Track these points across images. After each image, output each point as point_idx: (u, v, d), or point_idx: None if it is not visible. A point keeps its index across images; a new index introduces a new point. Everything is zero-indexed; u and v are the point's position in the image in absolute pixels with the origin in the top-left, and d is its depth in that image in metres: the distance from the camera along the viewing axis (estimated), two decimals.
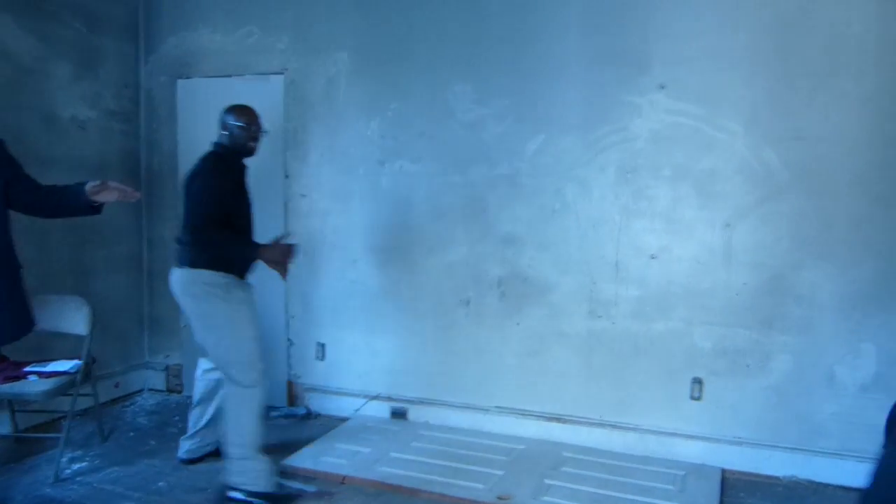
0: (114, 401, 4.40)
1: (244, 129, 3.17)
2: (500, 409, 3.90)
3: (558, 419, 3.78)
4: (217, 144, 3.20)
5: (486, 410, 3.92)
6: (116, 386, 4.45)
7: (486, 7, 3.76)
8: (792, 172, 3.29)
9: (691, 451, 3.53)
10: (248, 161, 3.30)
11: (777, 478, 3.38)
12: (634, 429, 3.64)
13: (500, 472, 3.41)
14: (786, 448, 3.38)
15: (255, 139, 3.24)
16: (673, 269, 3.53)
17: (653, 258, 3.56)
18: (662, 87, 3.46)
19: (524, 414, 3.84)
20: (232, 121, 3.17)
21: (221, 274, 3.06)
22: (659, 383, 3.59)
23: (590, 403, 3.72)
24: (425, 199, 3.97)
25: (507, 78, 3.76)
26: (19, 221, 2.61)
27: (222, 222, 3.00)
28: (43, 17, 3.95)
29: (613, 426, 3.68)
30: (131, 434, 3.88)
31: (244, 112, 3.20)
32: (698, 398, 3.53)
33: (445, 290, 3.96)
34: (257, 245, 3.09)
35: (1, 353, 3.48)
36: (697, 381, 3.53)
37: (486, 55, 3.79)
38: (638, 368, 3.63)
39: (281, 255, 3.10)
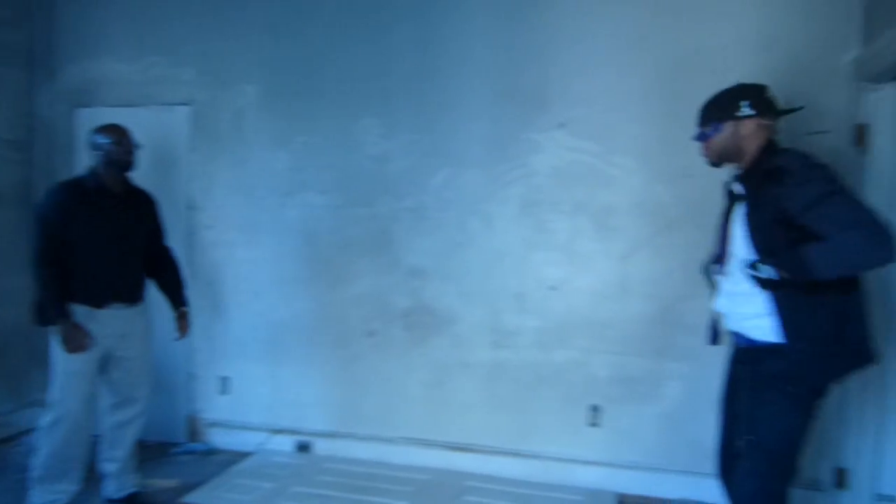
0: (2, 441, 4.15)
1: (116, 144, 3.12)
2: (405, 440, 3.90)
3: (462, 448, 3.81)
4: (89, 168, 3.17)
5: (390, 441, 3.92)
6: None
7: (393, 44, 3.85)
8: (682, 207, 3.47)
9: (589, 477, 3.63)
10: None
11: (669, 500, 3.50)
12: (535, 456, 3.72)
13: (403, 503, 3.41)
14: (678, 471, 3.52)
15: (130, 153, 3.17)
16: (572, 300, 3.66)
17: (553, 289, 3.67)
18: (562, 125, 3.61)
19: (428, 444, 3.86)
20: (101, 139, 3.12)
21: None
22: (559, 411, 3.69)
23: (492, 432, 3.78)
24: (331, 230, 3.98)
25: (413, 113, 3.84)
26: None
27: (51, 257, 3.01)
28: None
29: (515, 454, 3.75)
30: (18, 476, 3.67)
31: (112, 129, 3.15)
32: (596, 425, 3.64)
33: (351, 321, 3.96)
34: (58, 310, 3.03)
35: None
36: (595, 409, 3.64)
37: (394, 91, 3.86)
38: (539, 397, 3.72)
39: (66, 338, 3.03)
